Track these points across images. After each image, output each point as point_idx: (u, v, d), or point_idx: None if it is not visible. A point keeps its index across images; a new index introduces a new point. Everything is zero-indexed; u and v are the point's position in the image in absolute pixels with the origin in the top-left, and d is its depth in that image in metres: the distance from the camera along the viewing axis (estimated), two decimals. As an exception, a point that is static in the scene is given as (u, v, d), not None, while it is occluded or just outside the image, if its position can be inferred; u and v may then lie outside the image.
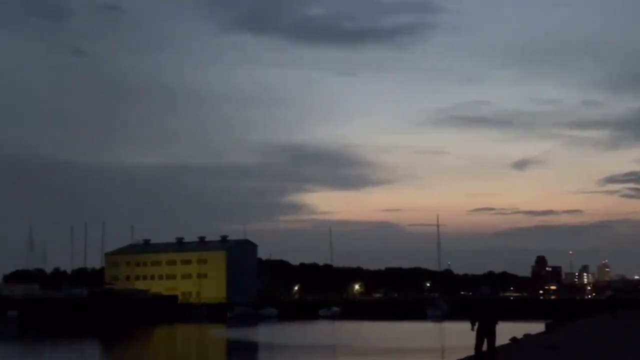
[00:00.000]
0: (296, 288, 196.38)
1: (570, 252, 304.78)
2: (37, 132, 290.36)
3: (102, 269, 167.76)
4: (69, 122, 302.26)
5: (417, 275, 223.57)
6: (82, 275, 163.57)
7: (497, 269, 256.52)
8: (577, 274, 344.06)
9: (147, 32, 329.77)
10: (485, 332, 18.60)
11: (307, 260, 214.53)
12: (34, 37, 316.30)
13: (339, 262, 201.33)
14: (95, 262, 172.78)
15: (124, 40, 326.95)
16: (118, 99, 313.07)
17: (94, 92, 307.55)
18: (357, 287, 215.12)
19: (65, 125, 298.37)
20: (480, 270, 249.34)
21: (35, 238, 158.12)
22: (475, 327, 18.68)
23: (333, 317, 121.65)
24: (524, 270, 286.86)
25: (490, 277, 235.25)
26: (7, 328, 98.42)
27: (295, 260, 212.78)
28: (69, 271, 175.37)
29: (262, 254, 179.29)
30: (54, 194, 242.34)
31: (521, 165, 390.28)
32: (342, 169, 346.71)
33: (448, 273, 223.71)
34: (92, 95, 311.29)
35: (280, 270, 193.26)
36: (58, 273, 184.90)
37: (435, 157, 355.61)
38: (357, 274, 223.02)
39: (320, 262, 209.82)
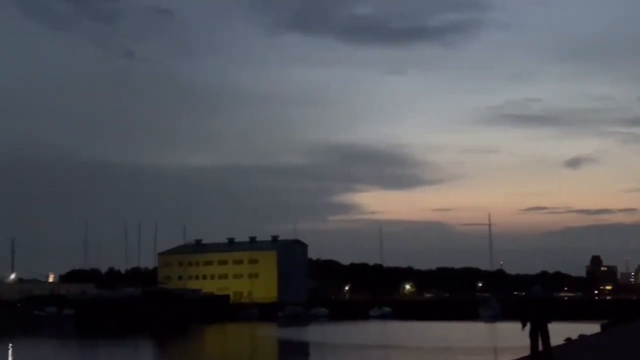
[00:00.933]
0: (346, 288, 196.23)
1: (627, 254, 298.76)
2: (90, 134, 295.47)
3: (155, 268, 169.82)
4: (121, 123, 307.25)
5: (468, 275, 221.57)
6: (136, 275, 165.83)
7: (551, 269, 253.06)
8: (633, 273, 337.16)
9: (196, 34, 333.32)
10: (539, 332, 18.39)
11: (358, 260, 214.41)
12: (87, 40, 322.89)
13: (389, 262, 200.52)
14: (148, 262, 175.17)
15: (173, 43, 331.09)
16: (169, 101, 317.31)
17: (146, 94, 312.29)
18: (408, 287, 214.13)
19: (117, 127, 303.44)
20: (533, 270, 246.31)
21: (91, 239, 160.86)
22: (527, 327, 18.50)
23: (384, 317, 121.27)
24: (578, 270, 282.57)
25: (543, 276, 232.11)
26: (64, 326, 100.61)
27: (345, 260, 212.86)
28: (123, 271, 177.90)
29: (313, 254, 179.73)
30: (108, 195, 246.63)
31: (574, 163, 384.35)
32: (392, 169, 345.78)
33: (500, 273, 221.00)
34: (143, 97, 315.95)
35: (330, 270, 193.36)
36: (112, 273, 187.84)
37: (486, 155, 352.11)
38: (407, 273, 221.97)
39: (371, 262, 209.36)
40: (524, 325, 18.53)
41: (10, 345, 61.04)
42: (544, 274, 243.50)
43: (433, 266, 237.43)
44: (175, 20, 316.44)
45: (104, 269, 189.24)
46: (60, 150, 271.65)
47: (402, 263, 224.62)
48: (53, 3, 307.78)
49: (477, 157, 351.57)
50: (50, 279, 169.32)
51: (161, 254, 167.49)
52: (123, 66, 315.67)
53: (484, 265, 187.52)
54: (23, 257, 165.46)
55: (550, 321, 18.47)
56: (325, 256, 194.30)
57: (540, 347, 18.59)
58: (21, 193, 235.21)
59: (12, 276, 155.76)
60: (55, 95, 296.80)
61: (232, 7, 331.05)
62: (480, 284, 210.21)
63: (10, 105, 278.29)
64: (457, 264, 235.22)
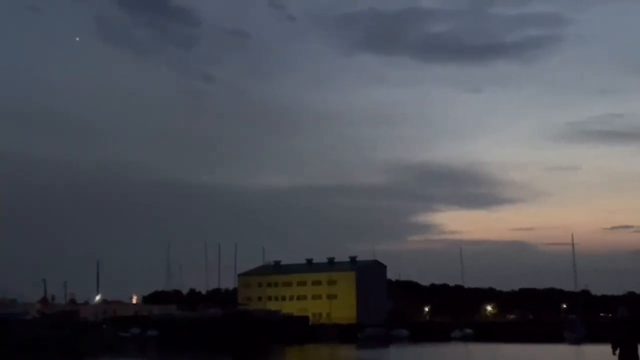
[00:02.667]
0: (427, 309, 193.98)
1: None
2: (172, 156, 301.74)
3: (235, 289, 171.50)
4: (201, 146, 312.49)
5: (552, 296, 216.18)
6: (217, 296, 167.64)
7: (638, 290, 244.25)
8: None
9: (272, 56, 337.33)
10: (629, 357, 17.68)
11: (438, 280, 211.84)
12: (166, 64, 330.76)
13: (470, 283, 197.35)
14: (228, 283, 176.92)
15: (250, 65, 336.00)
16: (247, 122, 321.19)
17: (224, 117, 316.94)
18: (489, 308, 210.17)
19: (198, 149, 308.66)
20: (619, 291, 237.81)
21: (172, 260, 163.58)
22: (617, 351, 17.79)
23: (466, 339, 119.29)
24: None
25: (631, 298, 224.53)
26: (148, 347, 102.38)
27: (425, 281, 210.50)
28: (204, 292, 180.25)
29: (392, 274, 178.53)
30: (188, 217, 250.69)
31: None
32: (470, 187, 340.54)
33: (585, 294, 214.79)
34: (222, 119, 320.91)
35: (410, 290, 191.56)
36: (194, 294, 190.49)
37: (568, 173, 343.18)
38: (489, 294, 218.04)
39: (451, 283, 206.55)
40: (614, 349, 17.83)
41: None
42: (631, 294, 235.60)
43: (515, 287, 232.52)
44: (252, 43, 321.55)
45: (185, 290, 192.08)
46: (142, 172, 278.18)
47: (483, 284, 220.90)
48: (133, 29, 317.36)
49: (559, 175, 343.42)
50: (134, 301, 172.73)
51: (241, 275, 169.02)
52: (202, 89, 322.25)
53: (568, 286, 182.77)
54: (107, 278, 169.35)
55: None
56: (404, 277, 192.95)
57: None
58: (104, 215, 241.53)
59: (97, 298, 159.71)
60: (136, 119, 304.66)
61: (308, 28, 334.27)
62: (564, 306, 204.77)
63: (93, 129, 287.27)
64: (540, 285, 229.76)
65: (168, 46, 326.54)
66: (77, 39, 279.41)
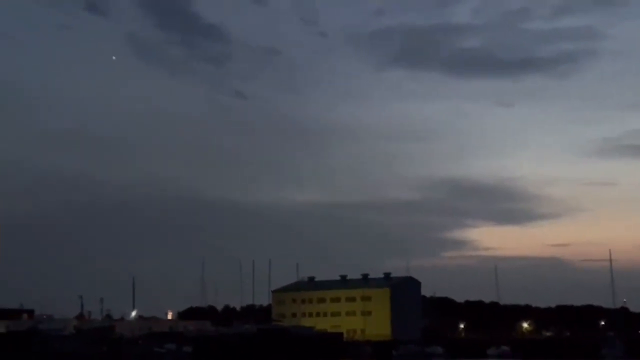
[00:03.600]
0: (462, 326, 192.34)
1: None
2: (205, 172, 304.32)
3: (270, 306, 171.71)
4: (233, 162, 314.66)
5: (590, 313, 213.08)
6: (251, 312, 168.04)
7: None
8: None
9: (303, 72, 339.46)
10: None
11: (473, 297, 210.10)
12: (199, 82, 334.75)
13: (506, 300, 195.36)
14: (263, 299, 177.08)
15: (281, 81, 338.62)
16: (279, 138, 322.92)
17: (256, 133, 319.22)
18: (525, 325, 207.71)
19: (230, 165, 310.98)
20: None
21: (207, 276, 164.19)
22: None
23: (502, 356, 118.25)
24: None
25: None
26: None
27: (460, 298, 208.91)
28: (238, 308, 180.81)
29: (426, 290, 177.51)
30: (222, 232, 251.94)
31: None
32: (505, 203, 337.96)
33: (624, 311, 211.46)
34: (254, 136, 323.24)
35: (445, 307, 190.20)
36: (228, 310, 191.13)
37: (605, 188, 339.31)
38: (525, 311, 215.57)
39: (486, 300, 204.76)
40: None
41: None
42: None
43: (552, 304, 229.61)
44: (282, 59, 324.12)
45: (220, 306, 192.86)
46: (176, 189, 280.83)
47: (519, 300, 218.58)
48: (167, 48, 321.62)
49: (595, 190, 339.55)
50: (169, 317, 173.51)
51: (275, 292, 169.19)
52: (234, 106, 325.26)
53: (606, 303, 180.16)
54: (143, 295, 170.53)
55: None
56: (439, 293, 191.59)
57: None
58: (140, 231, 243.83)
59: (133, 313, 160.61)
60: (168, 135, 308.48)
61: (339, 44, 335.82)
62: (602, 323, 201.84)
63: (126, 146, 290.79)
64: (578, 302, 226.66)
65: (200, 63, 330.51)
66: (114, 57, 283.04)
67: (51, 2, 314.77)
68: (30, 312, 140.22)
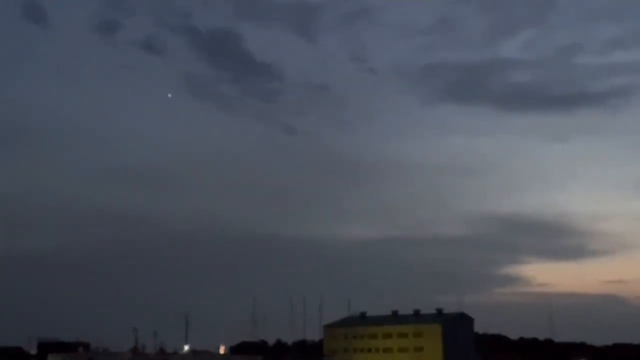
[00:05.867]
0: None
1: None
2: (255, 207, 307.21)
3: (321, 341, 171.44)
4: (285, 197, 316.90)
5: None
6: (302, 347, 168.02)
7: None
8: None
9: (353, 108, 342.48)
10: None
11: (526, 334, 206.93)
12: (250, 118, 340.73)
13: (560, 337, 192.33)
14: (314, 334, 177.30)
15: (332, 117, 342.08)
16: (330, 173, 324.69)
17: (307, 167, 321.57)
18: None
19: (282, 200, 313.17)
20: None
21: (259, 311, 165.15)
22: None
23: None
24: None
25: None
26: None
27: (513, 334, 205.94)
28: (289, 343, 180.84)
29: (479, 327, 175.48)
30: (274, 268, 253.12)
31: None
32: (558, 239, 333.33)
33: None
34: (305, 171, 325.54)
35: (498, 344, 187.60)
36: (280, 345, 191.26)
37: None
38: (581, 349, 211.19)
39: (540, 337, 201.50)
40: None
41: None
42: None
43: (608, 341, 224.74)
44: (331, 95, 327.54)
45: (271, 341, 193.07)
46: (228, 225, 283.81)
47: (575, 338, 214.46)
48: (220, 85, 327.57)
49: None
50: (221, 351, 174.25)
51: (327, 327, 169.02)
52: (285, 141, 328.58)
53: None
54: (196, 328, 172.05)
55: None
56: (492, 330, 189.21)
57: None
58: (193, 266, 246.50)
59: (186, 347, 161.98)
60: (222, 171, 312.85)
61: (389, 80, 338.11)
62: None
63: (181, 181, 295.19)
64: (635, 340, 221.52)
65: (252, 100, 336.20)
66: (170, 95, 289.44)
67: (110, 42, 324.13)
68: (86, 345, 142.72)
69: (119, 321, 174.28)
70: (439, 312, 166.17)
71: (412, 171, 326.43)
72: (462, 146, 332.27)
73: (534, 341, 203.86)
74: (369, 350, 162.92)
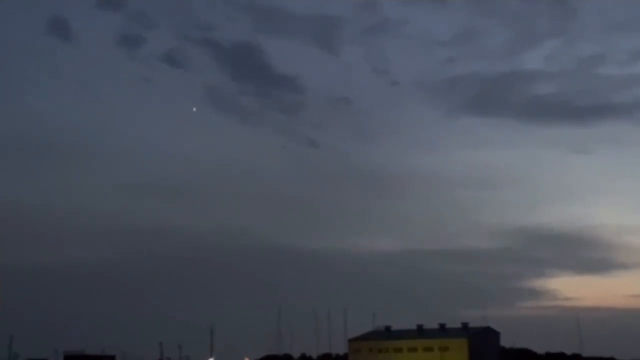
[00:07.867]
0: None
1: None
2: (280, 221, 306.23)
3: (346, 354, 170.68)
4: (307, 210, 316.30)
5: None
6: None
7: None
8: None
9: (375, 120, 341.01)
10: None
11: (553, 349, 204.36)
12: (272, 131, 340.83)
13: (589, 352, 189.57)
14: (339, 348, 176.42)
15: (353, 130, 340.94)
16: (352, 186, 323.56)
17: (328, 181, 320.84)
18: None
19: (304, 213, 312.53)
20: None
21: (283, 324, 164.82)
22: None
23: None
24: None
25: None
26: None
27: (540, 349, 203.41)
28: (314, 357, 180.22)
29: (505, 341, 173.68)
30: (298, 281, 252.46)
31: None
32: (584, 252, 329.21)
33: None
34: (327, 184, 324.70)
35: (525, 358, 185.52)
36: (304, 358, 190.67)
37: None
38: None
39: (568, 352, 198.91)
40: None
41: None
42: None
43: (637, 356, 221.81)
44: (353, 108, 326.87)
45: (296, 354, 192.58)
46: (251, 237, 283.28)
47: (603, 352, 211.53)
48: (241, 98, 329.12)
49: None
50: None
51: (351, 340, 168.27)
52: (307, 154, 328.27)
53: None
54: (221, 341, 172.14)
55: None
56: (518, 344, 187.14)
57: None
58: (217, 279, 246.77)
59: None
60: (246, 184, 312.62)
61: (411, 92, 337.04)
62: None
63: (203, 194, 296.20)
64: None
65: (274, 113, 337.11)
66: (194, 109, 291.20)
67: (132, 55, 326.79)
68: (112, 358, 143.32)
69: (145, 333, 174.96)
70: (465, 326, 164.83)
71: (435, 184, 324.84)
72: (486, 158, 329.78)
73: (562, 355, 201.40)
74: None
